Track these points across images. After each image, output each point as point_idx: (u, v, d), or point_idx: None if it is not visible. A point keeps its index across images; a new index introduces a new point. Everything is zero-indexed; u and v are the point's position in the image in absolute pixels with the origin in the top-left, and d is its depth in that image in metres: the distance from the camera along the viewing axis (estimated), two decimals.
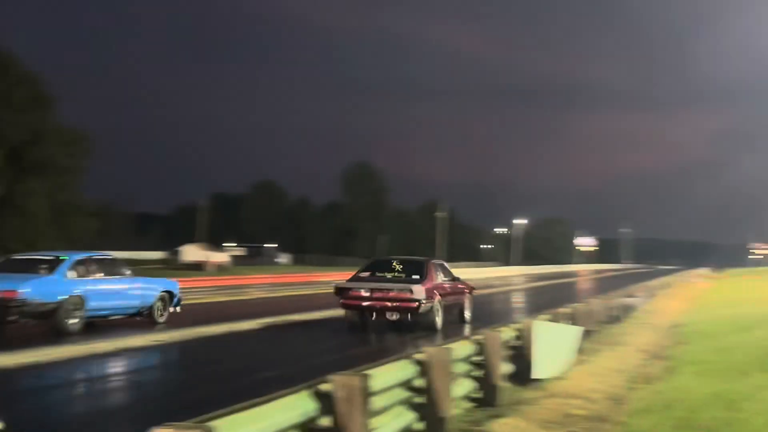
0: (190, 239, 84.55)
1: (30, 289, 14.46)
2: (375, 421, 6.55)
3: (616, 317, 20.06)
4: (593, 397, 10.03)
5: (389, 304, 16.94)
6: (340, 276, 46.37)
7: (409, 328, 17.16)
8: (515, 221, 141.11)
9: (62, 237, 53.00)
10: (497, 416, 8.78)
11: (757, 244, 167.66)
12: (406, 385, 7.58)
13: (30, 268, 15.67)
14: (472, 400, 9.55)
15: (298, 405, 5.48)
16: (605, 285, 47.08)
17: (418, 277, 17.51)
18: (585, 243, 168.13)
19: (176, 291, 18.71)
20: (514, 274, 75.63)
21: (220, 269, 65.33)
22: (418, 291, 16.70)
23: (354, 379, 5.78)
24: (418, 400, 7.76)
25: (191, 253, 71.23)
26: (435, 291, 17.46)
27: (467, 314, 20.08)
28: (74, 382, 11.10)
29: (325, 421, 5.80)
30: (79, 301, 15.29)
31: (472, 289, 21.04)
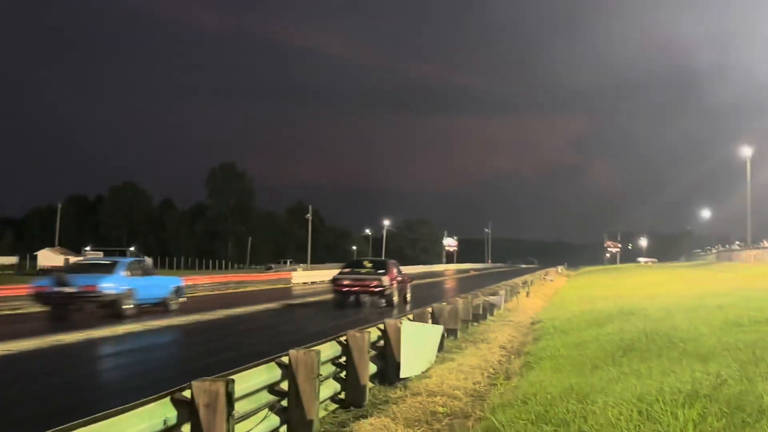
0: (46, 243, 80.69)
1: (104, 284, 20.40)
2: (239, 427, 6.45)
3: (479, 315, 20.61)
4: (456, 394, 10.26)
5: (365, 289, 25.88)
6: (207, 280, 45.35)
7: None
8: (385, 222, 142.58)
9: None
10: (363, 416, 8.83)
11: (611, 242, 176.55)
12: (272, 388, 7.51)
13: (96, 269, 21.99)
14: (339, 401, 9.57)
15: (156, 413, 5.32)
16: (469, 284, 48.32)
17: (383, 271, 26.43)
18: (450, 244, 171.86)
19: (182, 286, 25.66)
20: None
21: None
22: (385, 280, 25.68)
23: (216, 385, 5.66)
24: (285, 403, 7.71)
25: (48, 257, 68.02)
26: (393, 281, 26.31)
27: (408, 296, 28.81)
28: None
29: (187, 429, 5.66)
30: (131, 293, 21.09)
31: (411, 280, 30.89)
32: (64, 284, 20.34)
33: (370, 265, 27.63)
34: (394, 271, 27.42)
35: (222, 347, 15.49)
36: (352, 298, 26.56)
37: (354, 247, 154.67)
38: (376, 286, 25.62)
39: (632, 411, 6.45)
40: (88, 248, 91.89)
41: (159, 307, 22.96)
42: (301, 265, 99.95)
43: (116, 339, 16.60)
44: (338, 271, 28.46)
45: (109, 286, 20.54)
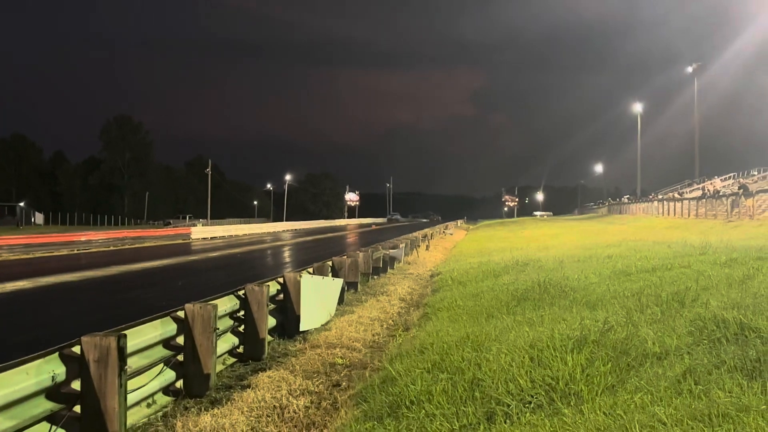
0: None
1: None
2: (133, 382, 6.33)
3: (379, 269, 20.80)
4: (356, 346, 10.36)
5: None
6: (103, 235, 44.09)
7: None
8: (286, 177, 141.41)
9: None
10: (262, 369, 8.81)
11: (508, 197, 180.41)
12: (167, 343, 7.38)
13: None
14: (238, 355, 9.51)
15: (44, 370, 5.15)
16: (370, 238, 48.66)
17: None
18: (351, 198, 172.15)
19: None
20: (284, 229, 76.01)
21: None
22: None
23: (107, 339, 5.52)
24: (181, 358, 7.59)
25: None
26: None
27: None
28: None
29: (76, 385, 5.50)
30: None
31: None
32: None
33: None
34: None
35: (115, 303, 15.13)
36: None
37: (255, 202, 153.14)
38: None
39: (524, 357, 6.64)
40: None
41: None
42: (201, 220, 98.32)
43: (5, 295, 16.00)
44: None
45: None
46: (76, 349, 5.55)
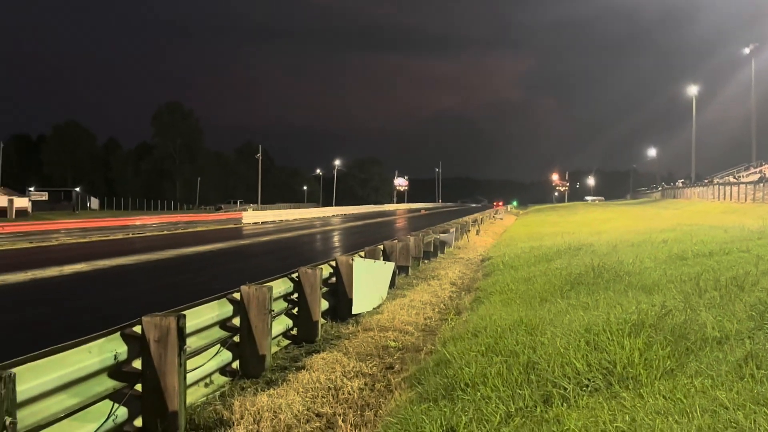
0: None
1: None
2: (192, 362, 6.43)
3: (429, 253, 20.79)
4: (408, 329, 10.38)
5: None
6: (156, 220, 44.84)
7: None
8: (335, 162, 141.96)
9: None
10: (316, 351, 8.89)
11: (559, 181, 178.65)
12: (224, 324, 7.48)
13: None
14: (292, 337, 9.61)
15: (106, 348, 5.26)
16: (420, 223, 48.62)
17: None
18: (400, 183, 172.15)
19: None
20: (333, 214, 76.41)
21: (19, 215, 61.37)
22: None
23: (167, 320, 5.61)
24: (237, 339, 7.70)
25: None
26: None
27: None
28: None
29: (137, 364, 5.61)
30: None
31: None
32: None
33: None
34: None
35: (170, 285, 15.39)
36: None
37: (305, 188, 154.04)
38: None
39: (580, 341, 6.58)
40: (32, 188, 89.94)
41: None
42: (251, 205, 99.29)
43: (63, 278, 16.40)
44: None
45: None
46: (137, 329, 5.65)
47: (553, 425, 4.81)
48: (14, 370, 4.15)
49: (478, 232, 34.29)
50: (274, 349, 8.61)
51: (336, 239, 35.53)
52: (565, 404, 5.24)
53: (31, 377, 4.39)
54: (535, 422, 5.00)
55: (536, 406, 5.32)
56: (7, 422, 3.93)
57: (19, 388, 4.11)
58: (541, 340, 7.05)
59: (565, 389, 5.50)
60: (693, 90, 77.09)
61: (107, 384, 5.27)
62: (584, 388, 5.51)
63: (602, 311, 8.02)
